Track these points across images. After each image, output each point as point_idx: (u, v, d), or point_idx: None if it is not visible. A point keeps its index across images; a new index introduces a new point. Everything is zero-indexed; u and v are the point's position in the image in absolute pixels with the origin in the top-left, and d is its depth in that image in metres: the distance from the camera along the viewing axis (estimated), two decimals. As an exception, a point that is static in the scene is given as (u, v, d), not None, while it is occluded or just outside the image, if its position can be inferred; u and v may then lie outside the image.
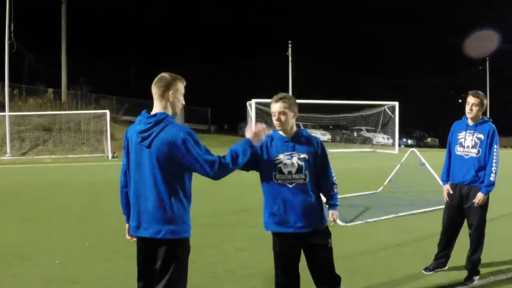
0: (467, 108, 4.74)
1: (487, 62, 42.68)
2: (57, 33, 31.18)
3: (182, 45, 47.39)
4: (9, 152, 24.19)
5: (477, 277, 4.77)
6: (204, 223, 7.60)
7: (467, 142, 4.77)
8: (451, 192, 4.89)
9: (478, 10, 48.12)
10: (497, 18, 45.05)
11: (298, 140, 3.52)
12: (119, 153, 24.65)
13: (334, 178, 3.69)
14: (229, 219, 8.09)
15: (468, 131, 4.78)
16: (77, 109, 29.45)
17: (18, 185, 13.04)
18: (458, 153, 4.83)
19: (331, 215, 3.62)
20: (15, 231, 7.09)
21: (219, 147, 29.12)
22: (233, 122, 40.93)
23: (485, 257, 4.91)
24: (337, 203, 3.65)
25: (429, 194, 9.34)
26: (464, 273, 4.86)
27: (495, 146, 4.69)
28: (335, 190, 3.67)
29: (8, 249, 6.02)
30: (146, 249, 3.10)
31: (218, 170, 3.05)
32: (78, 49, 34.78)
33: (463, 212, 4.84)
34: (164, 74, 3.15)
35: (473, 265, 4.79)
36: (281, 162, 3.47)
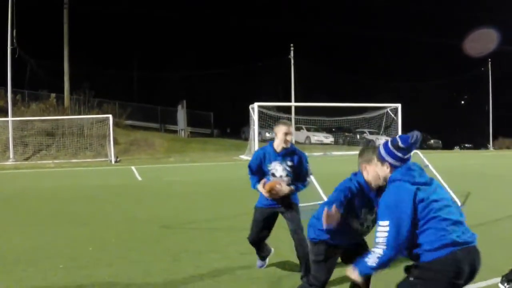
0: None
1: (489, 63, 42.58)
2: (59, 38, 31.34)
3: (184, 50, 47.51)
4: (12, 157, 24.26)
5: None
6: (208, 227, 7.63)
7: None
8: None
9: (480, 11, 48.15)
10: (499, 19, 45.05)
11: None
12: (122, 158, 24.66)
13: None
14: (233, 223, 8.07)
15: None
16: (80, 114, 29.53)
17: (21, 190, 13.06)
18: None
19: None
20: (18, 236, 7.09)
21: (222, 151, 29.25)
22: (236, 126, 40.94)
23: (488, 259, 4.87)
24: None
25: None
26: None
27: None
28: None
29: (12, 254, 6.02)
30: None
31: None
32: (81, 54, 34.89)
33: None
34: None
35: None
36: None
